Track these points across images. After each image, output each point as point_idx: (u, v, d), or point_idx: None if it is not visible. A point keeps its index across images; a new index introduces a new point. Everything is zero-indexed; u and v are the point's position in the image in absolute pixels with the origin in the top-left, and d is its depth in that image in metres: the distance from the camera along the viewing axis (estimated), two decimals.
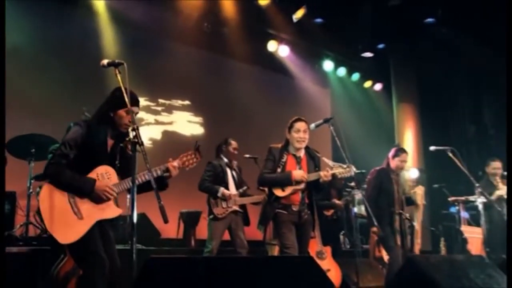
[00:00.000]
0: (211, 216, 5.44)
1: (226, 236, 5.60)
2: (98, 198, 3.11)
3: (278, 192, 4.32)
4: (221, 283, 2.42)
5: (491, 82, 11.44)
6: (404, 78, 10.76)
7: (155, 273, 2.19)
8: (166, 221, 2.88)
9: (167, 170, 3.29)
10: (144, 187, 3.20)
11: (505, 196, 6.30)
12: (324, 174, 4.26)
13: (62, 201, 3.03)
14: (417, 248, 5.76)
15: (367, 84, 11.31)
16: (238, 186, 5.63)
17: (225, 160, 5.66)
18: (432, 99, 11.35)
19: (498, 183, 6.43)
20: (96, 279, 2.94)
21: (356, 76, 11.01)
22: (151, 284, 2.18)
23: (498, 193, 6.35)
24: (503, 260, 3.87)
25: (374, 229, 5.15)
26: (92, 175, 3.13)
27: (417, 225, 5.76)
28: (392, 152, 5.63)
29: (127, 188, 3.21)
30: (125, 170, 3.26)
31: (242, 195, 5.59)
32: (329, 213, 7.09)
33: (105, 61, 3.08)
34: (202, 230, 6.85)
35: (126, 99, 2.99)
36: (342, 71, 10.73)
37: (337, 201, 6.95)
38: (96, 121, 3.23)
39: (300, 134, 4.38)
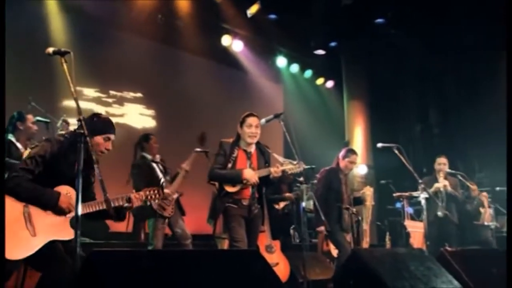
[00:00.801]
0: (162, 221, 5.35)
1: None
2: (61, 212, 2.99)
3: (228, 188, 4.32)
4: (166, 277, 2.40)
5: (436, 83, 11.86)
6: (355, 76, 10.96)
7: (98, 267, 2.15)
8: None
9: (129, 200, 3.23)
10: (101, 214, 3.13)
11: (442, 189, 6.56)
12: (274, 170, 4.29)
13: (15, 213, 2.86)
14: (365, 246, 5.91)
15: (319, 81, 11.46)
16: (168, 174, 5.57)
17: (149, 156, 5.53)
18: (382, 97, 11.63)
19: (440, 177, 6.69)
20: (60, 282, 2.80)
21: (308, 73, 11.13)
22: (94, 278, 2.13)
23: (436, 185, 6.59)
24: (441, 252, 4.02)
25: (321, 228, 5.26)
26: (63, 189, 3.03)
27: (365, 224, 5.90)
28: (342, 153, 5.74)
29: (88, 211, 3.09)
30: (85, 193, 3.15)
31: (171, 181, 5.49)
32: (279, 207, 7.16)
33: (50, 49, 2.96)
34: None
35: (72, 88, 2.87)
36: (295, 68, 10.83)
37: (287, 194, 7.03)
38: (69, 143, 3.12)
39: (252, 129, 4.38)
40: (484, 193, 7.56)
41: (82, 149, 2.81)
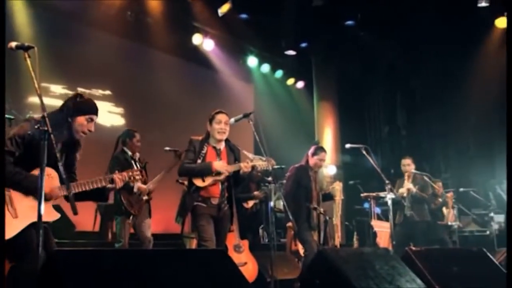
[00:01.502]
0: (128, 218, 5.30)
1: None
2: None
3: (198, 182, 4.31)
4: (130, 277, 2.37)
5: (404, 85, 12.08)
6: (325, 77, 11.04)
7: (60, 266, 2.10)
8: (75, 212, 2.78)
9: (112, 181, 3.22)
10: (82, 196, 3.12)
11: (405, 194, 6.70)
12: (244, 165, 4.33)
13: None
14: (337, 241, 5.97)
15: (290, 81, 11.51)
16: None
17: (129, 153, 5.52)
18: (351, 98, 11.79)
19: (406, 179, 6.83)
20: (28, 275, 2.72)
21: (279, 73, 11.17)
22: (55, 278, 2.09)
23: (401, 190, 6.73)
24: (406, 252, 4.09)
25: (290, 224, 5.27)
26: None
27: (336, 219, 5.95)
28: (311, 150, 5.78)
29: (70, 193, 3.05)
30: (68, 174, 3.14)
31: (145, 182, 5.44)
32: (248, 206, 7.15)
33: (13, 44, 2.87)
34: None
35: (36, 84, 2.81)
36: (266, 68, 10.83)
37: (256, 193, 7.03)
38: (50, 123, 2.99)
39: (221, 125, 4.41)
40: (449, 194, 7.74)
41: (46, 146, 2.74)
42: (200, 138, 4.47)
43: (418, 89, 11.97)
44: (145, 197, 5.41)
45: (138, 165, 5.52)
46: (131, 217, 5.30)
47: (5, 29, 3.21)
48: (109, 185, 3.22)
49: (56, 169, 3.04)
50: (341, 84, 11.29)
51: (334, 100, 11.07)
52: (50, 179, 3.03)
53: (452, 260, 4.27)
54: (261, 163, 4.38)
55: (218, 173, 4.33)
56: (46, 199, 2.96)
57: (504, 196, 8.48)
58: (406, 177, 6.85)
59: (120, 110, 8.89)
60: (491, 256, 4.76)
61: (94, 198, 3.29)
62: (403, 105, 12.21)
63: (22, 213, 2.89)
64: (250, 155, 4.48)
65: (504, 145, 10.28)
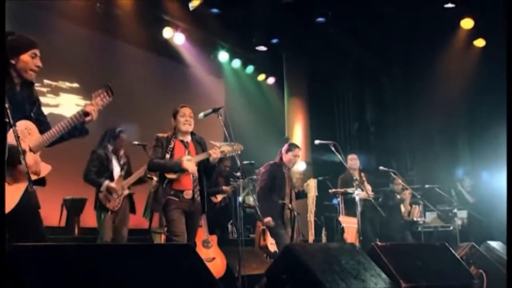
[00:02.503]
0: (102, 217, 5.25)
1: None
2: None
3: (170, 175, 4.30)
4: (93, 273, 2.32)
5: (373, 82, 12.23)
6: (295, 73, 11.09)
7: (19, 262, 2.04)
8: (37, 207, 2.70)
9: (87, 113, 3.04)
10: (64, 137, 2.99)
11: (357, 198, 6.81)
12: (213, 151, 4.36)
13: None
14: (310, 238, 6.03)
15: (261, 77, 11.51)
16: (125, 173, 5.49)
17: (111, 147, 5.50)
18: (321, 94, 11.87)
19: (361, 178, 6.94)
20: None
21: (250, 69, 11.14)
22: (13, 274, 2.02)
23: (362, 195, 6.80)
24: (372, 247, 4.15)
25: (268, 219, 5.29)
26: (10, 136, 2.66)
27: (310, 216, 5.98)
28: (285, 147, 5.81)
29: (55, 138, 2.93)
30: (41, 119, 3.00)
31: (125, 176, 5.45)
32: (217, 200, 7.14)
33: None
34: (87, 218, 6.58)
35: None
36: (236, 63, 10.79)
37: (224, 187, 7.03)
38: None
39: (186, 117, 4.44)
40: (408, 191, 7.86)
41: (6, 139, 2.63)
42: (166, 135, 4.48)
43: (386, 86, 12.14)
44: (125, 192, 5.36)
45: (120, 161, 5.48)
46: (109, 212, 5.25)
47: (5, 29, 3.04)
48: (87, 118, 3.05)
49: (31, 119, 2.90)
50: (311, 80, 11.35)
51: (304, 96, 11.12)
52: (28, 133, 2.87)
53: (416, 255, 4.36)
54: (229, 149, 4.42)
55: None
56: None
57: (465, 193, 8.72)
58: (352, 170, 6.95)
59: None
60: (453, 251, 4.88)
61: (75, 135, 3.11)
62: (372, 101, 12.36)
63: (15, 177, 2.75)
64: (217, 143, 4.49)
65: (467, 143, 10.54)
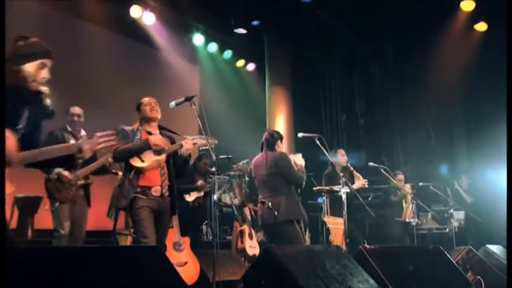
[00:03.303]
0: (56, 204, 5.14)
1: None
2: None
3: (137, 163, 4.30)
4: (49, 277, 2.29)
5: (363, 71, 12.28)
6: (278, 59, 11.07)
7: None
8: None
9: (80, 151, 2.97)
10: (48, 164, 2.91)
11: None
12: (185, 142, 4.40)
13: None
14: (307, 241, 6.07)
15: (240, 63, 11.50)
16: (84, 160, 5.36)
17: (69, 128, 5.44)
18: (306, 83, 11.89)
19: (352, 171, 7.01)
20: None
21: (228, 54, 11.12)
22: None
23: (358, 182, 6.91)
24: (359, 250, 4.18)
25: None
26: None
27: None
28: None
29: (32, 161, 2.80)
30: (31, 138, 2.88)
31: (83, 165, 5.23)
32: (190, 198, 7.12)
33: None
34: (41, 219, 6.48)
35: None
36: (213, 47, 10.75)
37: (199, 182, 7.01)
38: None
39: (152, 105, 4.52)
40: (407, 185, 7.98)
41: None
42: (132, 127, 4.51)
43: (378, 75, 12.22)
44: (79, 182, 5.22)
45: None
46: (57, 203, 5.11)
47: (5, 29, 3.03)
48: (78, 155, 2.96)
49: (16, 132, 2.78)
50: (295, 67, 11.35)
51: (287, 84, 11.13)
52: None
53: (408, 258, 4.41)
54: (203, 141, 4.48)
55: (159, 153, 4.35)
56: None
57: (461, 192, 8.85)
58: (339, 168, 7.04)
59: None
60: (448, 255, 4.95)
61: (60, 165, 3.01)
62: (362, 91, 12.43)
63: None
64: (189, 137, 4.52)
65: (465, 137, 10.64)
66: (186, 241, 5.79)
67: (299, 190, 5.48)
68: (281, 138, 5.58)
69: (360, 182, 6.97)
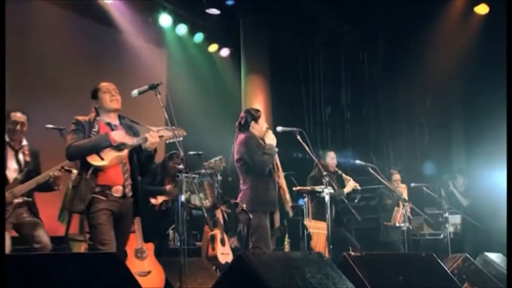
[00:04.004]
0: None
1: None
2: None
3: (96, 160, 4.24)
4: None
5: (350, 59, 12.33)
6: (255, 44, 11.07)
7: None
8: None
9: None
10: None
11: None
12: (151, 135, 4.37)
13: None
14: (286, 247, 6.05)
15: (212, 47, 11.45)
16: (25, 175, 5.23)
17: (7, 138, 5.25)
18: (286, 72, 11.91)
19: (341, 175, 7.08)
20: None
21: (199, 37, 11.06)
22: None
23: (350, 184, 6.97)
24: (343, 257, 4.20)
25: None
26: None
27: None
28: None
29: None
30: None
31: (23, 180, 5.14)
32: (157, 202, 7.10)
33: None
34: None
35: None
36: (182, 29, 10.68)
37: (168, 187, 6.99)
38: None
39: (112, 92, 4.48)
40: (403, 185, 8.04)
41: None
42: (88, 117, 4.46)
43: (366, 64, 12.28)
44: (16, 200, 5.06)
45: (21, 157, 5.25)
46: None
47: (5, 29, 3.21)
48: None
49: None
50: (275, 54, 11.37)
51: (265, 73, 11.14)
52: None
53: (397, 267, 4.44)
54: (168, 133, 4.45)
55: (120, 148, 4.30)
56: None
57: (457, 194, 8.95)
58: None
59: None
60: (441, 263, 5.00)
61: None
62: (349, 82, 12.48)
63: None
64: (154, 128, 4.48)
65: (462, 133, 10.73)
66: (149, 247, 5.80)
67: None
68: (254, 117, 5.58)
69: (351, 184, 7.03)
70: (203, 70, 11.31)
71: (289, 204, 5.48)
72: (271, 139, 5.39)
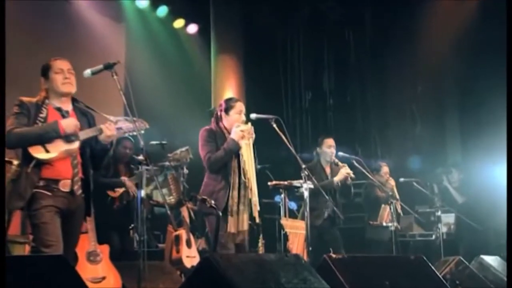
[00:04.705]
0: None
1: None
2: None
3: (39, 153, 4.16)
4: None
5: (335, 39, 12.33)
6: (227, 20, 11.08)
7: None
8: None
9: None
10: None
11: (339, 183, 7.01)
12: (107, 127, 4.32)
13: None
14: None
15: (178, 23, 11.36)
16: None
17: None
18: (262, 52, 11.87)
19: (337, 163, 7.09)
20: None
21: (163, 11, 10.97)
22: None
23: (336, 178, 7.00)
24: (323, 260, 4.21)
25: None
26: None
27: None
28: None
29: None
30: None
31: None
32: (115, 195, 7.04)
33: None
34: None
35: None
36: (143, 2, 10.62)
37: (124, 178, 6.93)
38: None
39: (65, 73, 4.38)
40: (392, 181, 8.07)
41: None
42: (35, 99, 4.39)
43: (352, 44, 12.31)
44: None
45: None
46: None
47: (5, 29, 3.30)
48: None
49: None
50: (249, 32, 11.35)
51: (238, 53, 11.15)
52: None
53: (383, 271, 4.47)
54: (128, 125, 4.40)
55: (70, 140, 4.24)
56: None
57: (452, 190, 9.01)
58: (333, 161, 7.14)
59: None
60: (432, 267, 5.04)
61: None
62: (332, 64, 12.50)
63: None
64: (112, 117, 4.43)
65: (458, 122, 10.81)
66: (104, 250, 5.79)
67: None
68: (225, 108, 5.58)
69: (343, 172, 7.03)
70: (167, 48, 11.22)
71: (256, 207, 5.43)
72: (233, 134, 5.37)
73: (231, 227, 5.28)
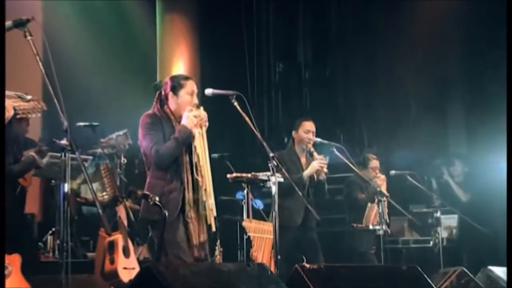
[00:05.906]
0: None
1: None
2: None
3: None
4: None
5: (312, 1, 12.31)
6: None
7: None
8: None
9: None
10: None
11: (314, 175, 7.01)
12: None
13: None
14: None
15: None
16: None
17: None
18: (221, 14, 11.81)
19: (312, 153, 7.08)
20: None
21: None
22: None
23: (307, 172, 6.99)
24: (295, 271, 4.19)
25: None
26: None
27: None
28: None
29: None
30: None
31: None
32: (26, 183, 6.98)
33: None
34: None
35: None
36: None
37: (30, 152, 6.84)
38: None
39: None
40: (382, 176, 8.05)
41: None
42: None
43: (333, 8, 12.33)
44: None
45: None
46: None
47: (5, 29, 3.57)
48: None
49: None
50: None
51: (191, 14, 11.19)
52: None
53: (368, 283, 4.47)
54: (23, 105, 4.40)
55: None
56: None
57: (453, 185, 9.03)
58: (308, 150, 7.12)
59: None
60: (428, 279, 5.05)
61: None
62: (308, 32, 12.51)
63: None
64: (11, 93, 4.41)
65: (463, 106, 10.88)
66: (14, 261, 5.70)
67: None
68: (172, 87, 5.49)
69: (314, 165, 7.01)
70: (100, 8, 11.09)
71: (212, 213, 5.38)
72: (186, 120, 5.28)
73: (188, 238, 5.23)
